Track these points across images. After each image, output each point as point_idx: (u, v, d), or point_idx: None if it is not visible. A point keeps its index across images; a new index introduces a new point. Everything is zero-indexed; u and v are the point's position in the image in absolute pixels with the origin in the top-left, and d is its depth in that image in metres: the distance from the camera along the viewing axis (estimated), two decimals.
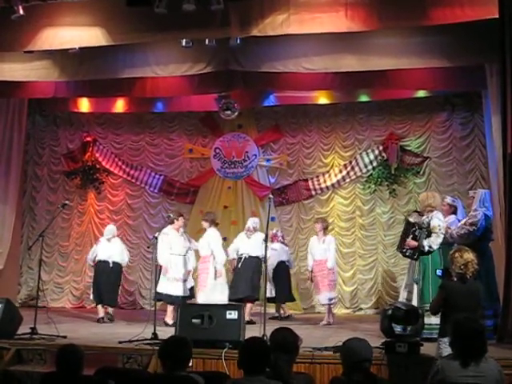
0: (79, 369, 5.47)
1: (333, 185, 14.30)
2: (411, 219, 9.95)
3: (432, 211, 9.80)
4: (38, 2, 9.71)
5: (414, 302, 9.22)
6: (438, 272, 8.02)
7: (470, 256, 7.10)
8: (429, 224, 9.66)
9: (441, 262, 9.45)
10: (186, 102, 14.49)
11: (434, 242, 9.51)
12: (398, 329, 7.83)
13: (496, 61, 9.76)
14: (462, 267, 7.05)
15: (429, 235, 9.53)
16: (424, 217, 9.97)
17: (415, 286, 9.69)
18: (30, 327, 9.43)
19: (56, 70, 11.88)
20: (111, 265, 12.29)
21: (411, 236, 9.63)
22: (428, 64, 10.89)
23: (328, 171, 14.36)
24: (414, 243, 9.53)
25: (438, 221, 9.66)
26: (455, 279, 7.22)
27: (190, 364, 6.29)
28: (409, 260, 10.00)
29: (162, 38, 10.74)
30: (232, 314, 8.59)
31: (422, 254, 9.61)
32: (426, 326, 8.24)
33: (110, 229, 12.65)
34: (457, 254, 7.14)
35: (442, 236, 9.62)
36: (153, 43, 11.33)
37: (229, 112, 13.84)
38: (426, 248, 9.48)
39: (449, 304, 7.06)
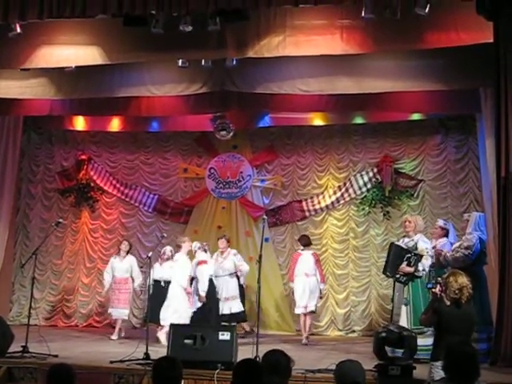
0: None
1: (327, 206, 14.27)
2: (402, 244, 10.08)
3: (415, 234, 10.05)
4: (35, 20, 9.72)
5: (403, 325, 9.28)
6: (429, 285, 8.02)
7: (464, 280, 7.08)
8: (416, 247, 9.86)
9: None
10: (181, 122, 14.50)
11: (425, 265, 9.70)
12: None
13: (490, 85, 9.83)
14: (457, 292, 7.03)
15: (420, 259, 9.68)
16: (406, 240, 10.15)
17: (403, 309, 9.75)
18: (22, 345, 9.41)
19: (52, 87, 11.93)
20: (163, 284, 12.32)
21: (405, 262, 9.72)
22: (423, 87, 10.96)
23: (322, 192, 14.35)
24: (410, 269, 9.71)
25: (424, 243, 10.03)
26: (447, 302, 7.19)
27: None
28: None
29: (158, 57, 10.81)
30: (224, 335, 8.59)
31: (413, 278, 9.73)
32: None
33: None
34: (451, 279, 7.11)
35: (431, 258, 9.80)
36: (149, 63, 11.38)
37: (224, 132, 13.85)
38: (421, 273, 9.64)
39: (442, 328, 7.04)
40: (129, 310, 12.84)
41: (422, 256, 9.75)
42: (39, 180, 15.53)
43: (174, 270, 11.81)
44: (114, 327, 12.72)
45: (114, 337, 12.34)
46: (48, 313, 15.00)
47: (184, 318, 11.36)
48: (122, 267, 12.67)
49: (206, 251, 12.30)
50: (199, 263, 12.07)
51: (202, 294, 11.81)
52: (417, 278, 9.76)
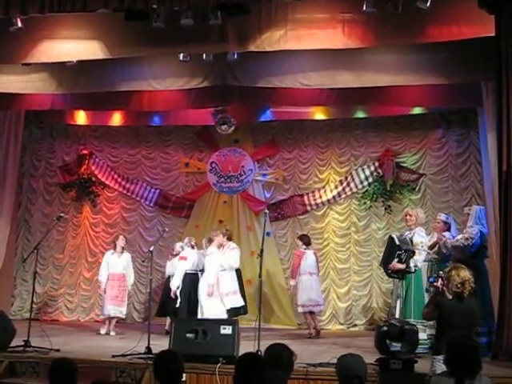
0: (72, 382, 5.44)
1: (328, 200, 14.28)
2: (397, 238, 10.07)
3: (415, 227, 10.06)
4: (36, 14, 9.71)
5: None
6: (431, 279, 8.03)
7: (466, 274, 7.08)
8: (411, 241, 9.85)
9: (426, 279, 9.64)
10: (183, 116, 14.50)
11: (418, 260, 9.70)
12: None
13: (492, 79, 9.81)
14: (459, 286, 7.02)
15: (413, 255, 9.66)
16: (407, 233, 10.15)
17: (398, 302, 9.77)
18: (24, 340, 9.40)
19: (53, 82, 11.92)
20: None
21: (396, 259, 9.70)
22: (425, 81, 10.94)
23: (324, 187, 14.36)
24: (400, 266, 9.65)
25: (420, 237, 10.00)
26: (449, 296, 7.20)
27: (184, 379, 6.27)
28: None
29: (159, 52, 10.80)
30: (226, 329, 8.58)
31: (405, 274, 9.73)
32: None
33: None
34: (453, 273, 7.11)
35: (425, 253, 9.81)
36: (150, 57, 11.36)
37: (225, 126, 13.85)
38: (413, 269, 9.65)
39: (444, 322, 7.04)
40: (125, 307, 12.77)
41: (414, 252, 9.74)
42: (41, 175, 15.54)
43: (208, 262, 11.75)
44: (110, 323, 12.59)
45: (112, 333, 12.29)
46: (50, 307, 15.02)
47: (221, 311, 11.41)
48: (121, 263, 12.62)
49: (193, 247, 12.34)
50: (179, 258, 12.23)
51: (173, 288, 11.91)
52: (409, 273, 9.76)
